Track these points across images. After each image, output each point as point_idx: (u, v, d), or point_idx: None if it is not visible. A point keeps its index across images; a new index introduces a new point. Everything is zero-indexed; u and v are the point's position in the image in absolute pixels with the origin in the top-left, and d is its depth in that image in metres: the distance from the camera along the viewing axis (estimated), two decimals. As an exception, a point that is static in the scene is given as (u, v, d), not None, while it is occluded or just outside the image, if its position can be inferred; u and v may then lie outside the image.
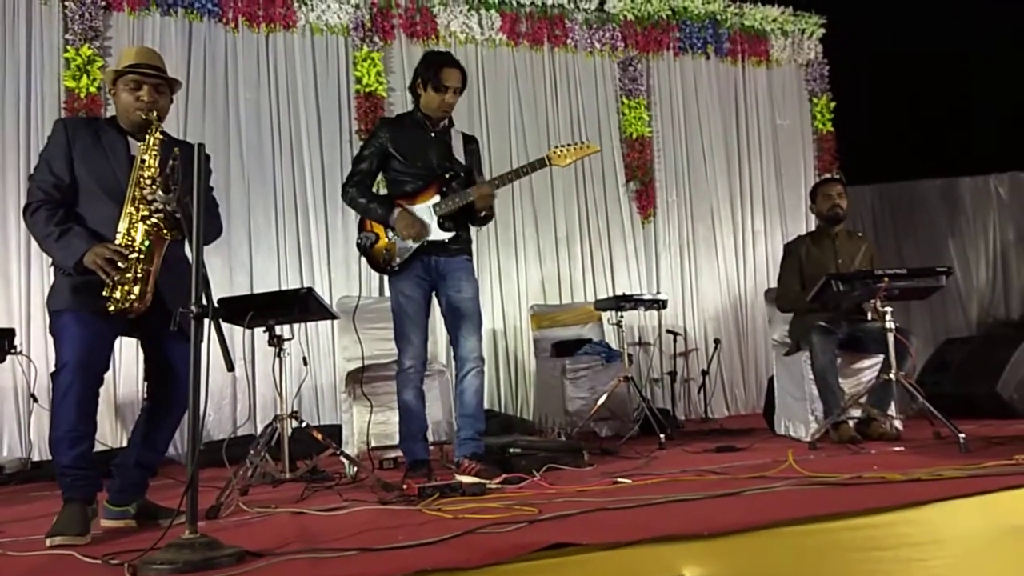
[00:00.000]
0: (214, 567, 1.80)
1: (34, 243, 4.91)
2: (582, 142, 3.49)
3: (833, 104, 7.05)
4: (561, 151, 3.43)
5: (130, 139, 2.61)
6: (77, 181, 2.53)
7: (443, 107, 3.40)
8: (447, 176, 3.41)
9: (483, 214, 3.41)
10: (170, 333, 2.51)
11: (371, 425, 3.67)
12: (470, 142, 3.58)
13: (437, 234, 3.35)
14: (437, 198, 3.37)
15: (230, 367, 1.93)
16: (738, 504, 2.28)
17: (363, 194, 3.43)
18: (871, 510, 2.01)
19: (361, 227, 3.47)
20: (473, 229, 3.57)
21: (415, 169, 3.41)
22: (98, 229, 2.48)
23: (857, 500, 2.16)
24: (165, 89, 2.61)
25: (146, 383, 2.66)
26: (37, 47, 5.10)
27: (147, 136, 2.52)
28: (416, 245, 3.33)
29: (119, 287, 2.41)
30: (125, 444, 2.70)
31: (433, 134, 3.45)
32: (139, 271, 2.42)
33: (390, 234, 3.36)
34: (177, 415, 2.67)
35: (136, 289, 2.41)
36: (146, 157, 2.49)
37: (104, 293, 2.41)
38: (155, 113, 2.53)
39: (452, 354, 3.58)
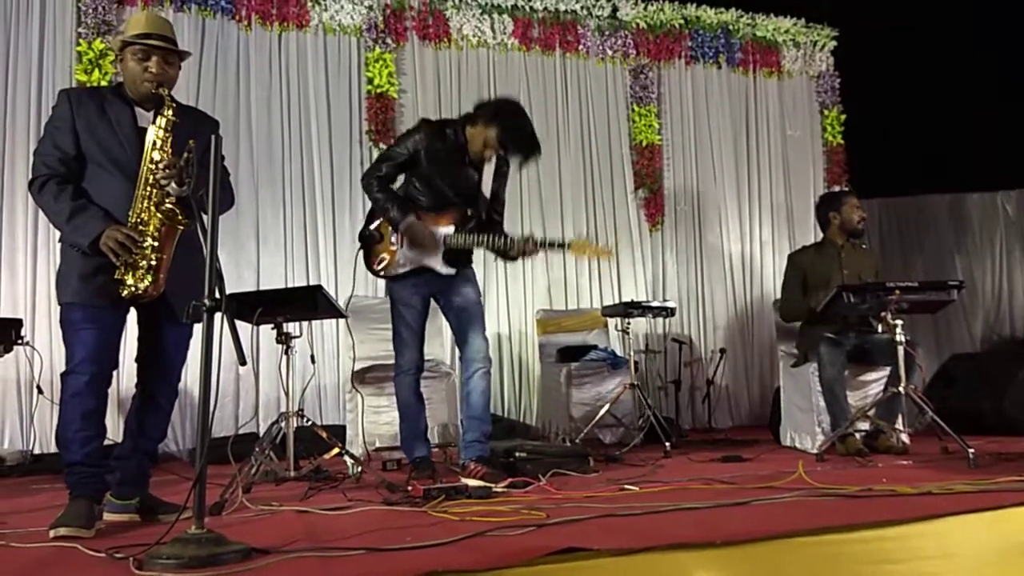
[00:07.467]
0: (220, 563, 1.79)
1: (41, 235, 4.95)
2: (601, 245, 3.72)
3: (843, 117, 7.04)
4: (582, 244, 3.47)
5: (137, 109, 2.55)
6: (83, 154, 2.48)
7: (479, 155, 3.38)
8: (468, 212, 3.35)
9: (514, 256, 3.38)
10: (167, 318, 2.50)
11: (376, 426, 3.65)
12: (503, 164, 3.50)
13: (439, 266, 3.30)
14: (452, 229, 3.32)
15: (243, 361, 1.92)
16: (749, 513, 2.26)
17: (383, 189, 3.36)
18: (883, 523, 2.00)
19: (369, 219, 3.43)
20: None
21: (435, 187, 3.34)
22: (106, 203, 2.43)
23: (868, 512, 2.14)
24: (174, 59, 2.54)
25: (136, 364, 2.63)
26: (50, 40, 5.08)
27: (159, 116, 2.46)
28: (411, 267, 3.30)
29: (132, 272, 2.39)
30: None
31: (468, 159, 3.39)
32: (153, 259, 2.39)
33: (394, 244, 3.32)
34: (168, 401, 2.64)
35: (149, 277, 2.39)
36: (157, 139, 2.44)
37: (116, 276, 2.39)
38: (165, 88, 2.47)
39: (458, 355, 3.54)
